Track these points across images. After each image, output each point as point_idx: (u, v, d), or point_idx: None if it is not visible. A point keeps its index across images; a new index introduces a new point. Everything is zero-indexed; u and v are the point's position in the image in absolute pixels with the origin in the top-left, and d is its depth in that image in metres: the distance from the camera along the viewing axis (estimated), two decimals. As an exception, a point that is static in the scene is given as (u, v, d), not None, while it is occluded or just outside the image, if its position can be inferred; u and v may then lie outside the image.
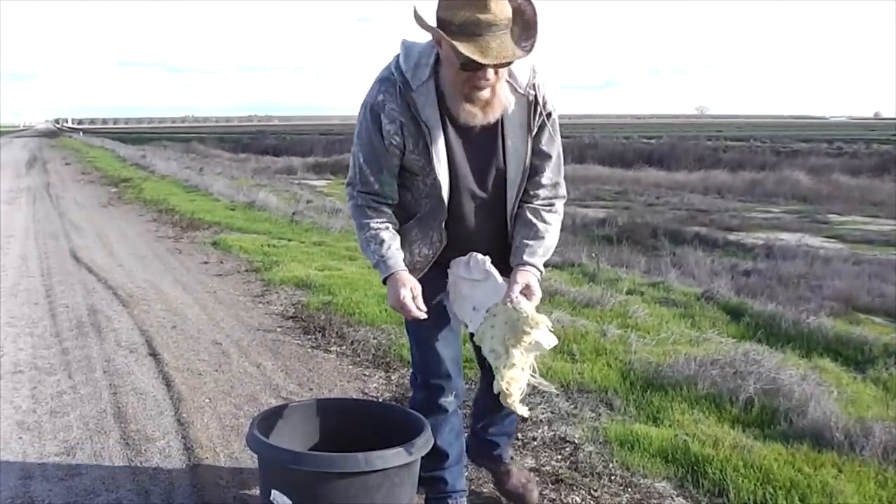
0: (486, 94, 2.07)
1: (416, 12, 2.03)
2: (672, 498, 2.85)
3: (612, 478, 2.98)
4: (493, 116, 2.12)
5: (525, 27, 2.02)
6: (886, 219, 17.55)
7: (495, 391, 2.13)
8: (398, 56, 2.18)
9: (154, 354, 4.44)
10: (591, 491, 2.88)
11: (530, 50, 2.01)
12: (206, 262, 7.42)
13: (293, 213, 10.87)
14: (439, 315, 2.35)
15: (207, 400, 3.76)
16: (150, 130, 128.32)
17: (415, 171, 2.22)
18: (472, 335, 2.30)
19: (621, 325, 5.04)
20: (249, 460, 3.00)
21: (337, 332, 4.86)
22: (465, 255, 2.29)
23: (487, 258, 2.24)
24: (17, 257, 7.72)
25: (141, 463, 3.07)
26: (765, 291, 7.44)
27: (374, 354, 4.46)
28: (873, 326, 6.49)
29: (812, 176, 24.85)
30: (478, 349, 2.33)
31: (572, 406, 3.64)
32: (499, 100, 2.09)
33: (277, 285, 6.27)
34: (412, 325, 2.38)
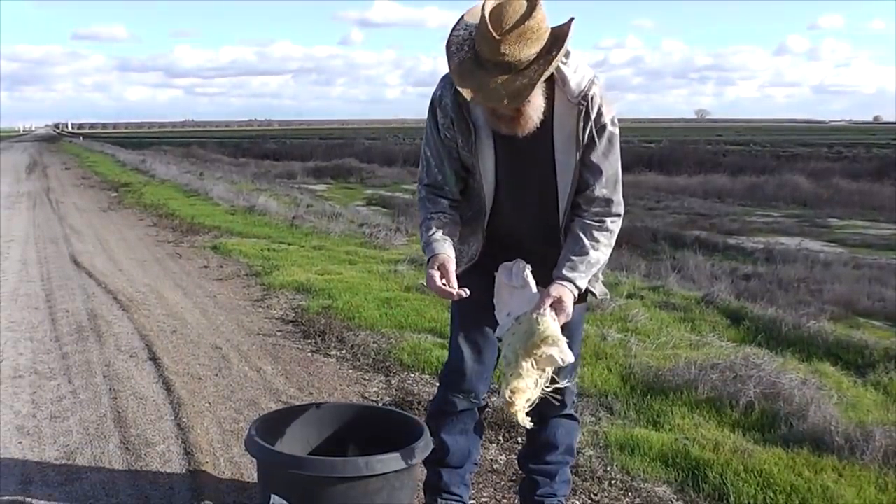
0: (506, 112, 2.05)
1: (463, 16, 2.08)
2: (672, 502, 2.85)
3: (613, 482, 2.98)
4: (519, 131, 2.09)
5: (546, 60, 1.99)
6: (886, 223, 17.56)
7: (500, 397, 2.13)
8: None
9: (154, 359, 4.43)
10: (592, 495, 2.88)
11: (526, 92, 1.96)
12: (206, 267, 7.42)
13: (293, 218, 10.88)
14: (477, 320, 2.38)
15: (207, 404, 3.76)
16: (149, 135, 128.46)
17: (469, 167, 2.25)
18: (497, 337, 2.28)
19: (621, 330, 5.04)
20: (249, 465, 3.00)
21: (337, 337, 4.85)
22: (511, 259, 2.27)
23: (528, 266, 2.22)
24: (18, 262, 7.72)
25: (141, 468, 3.07)
26: (765, 295, 7.43)
27: (373, 359, 4.46)
28: (873, 330, 6.48)
29: (812, 180, 24.88)
30: None
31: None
32: (525, 118, 2.06)
33: (277, 289, 6.27)
34: (454, 323, 2.45)
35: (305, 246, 8.59)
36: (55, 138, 75.74)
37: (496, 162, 2.21)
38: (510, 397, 2.07)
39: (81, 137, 71.80)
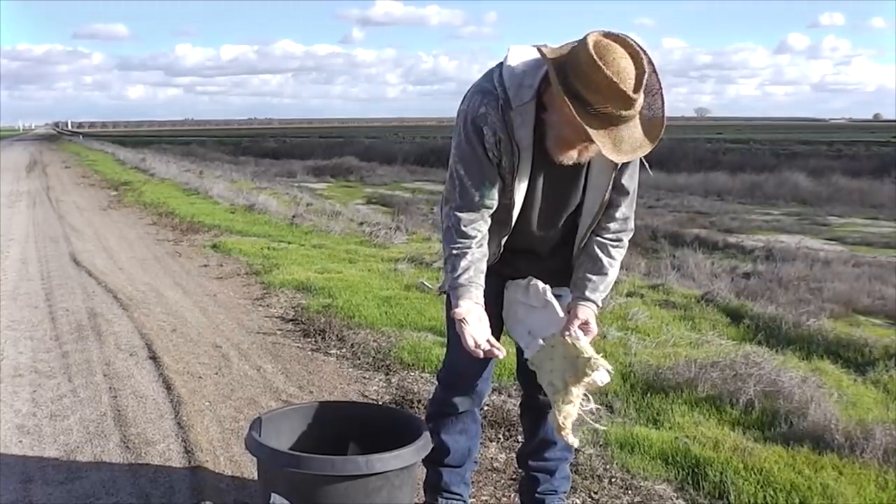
0: (582, 142, 2.01)
1: (551, 73, 1.91)
2: (672, 500, 2.85)
3: (613, 480, 2.98)
4: (586, 158, 2.08)
5: (652, 98, 1.96)
6: (886, 221, 17.57)
7: (550, 423, 2.16)
8: (501, 68, 2.08)
9: (154, 358, 4.43)
10: (592, 493, 2.88)
11: (656, 140, 2.00)
12: (205, 266, 7.42)
13: (293, 216, 10.87)
14: None
15: (207, 403, 3.76)
16: (149, 134, 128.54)
17: (504, 186, 2.18)
18: (526, 358, 2.30)
19: (621, 328, 5.05)
20: (249, 463, 3.00)
21: (337, 335, 4.85)
22: (522, 274, 2.28)
23: (549, 287, 2.23)
24: (17, 261, 7.72)
25: (141, 466, 3.07)
26: (765, 294, 7.43)
27: (374, 357, 4.46)
28: (873, 329, 6.48)
29: (812, 178, 24.87)
30: (525, 368, 2.32)
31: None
32: (594, 146, 2.01)
33: (277, 288, 6.27)
34: (452, 324, 2.40)
35: (305, 244, 8.59)
36: (55, 137, 75.72)
37: (529, 182, 2.17)
38: (563, 423, 2.12)
39: (81, 136, 71.79)
